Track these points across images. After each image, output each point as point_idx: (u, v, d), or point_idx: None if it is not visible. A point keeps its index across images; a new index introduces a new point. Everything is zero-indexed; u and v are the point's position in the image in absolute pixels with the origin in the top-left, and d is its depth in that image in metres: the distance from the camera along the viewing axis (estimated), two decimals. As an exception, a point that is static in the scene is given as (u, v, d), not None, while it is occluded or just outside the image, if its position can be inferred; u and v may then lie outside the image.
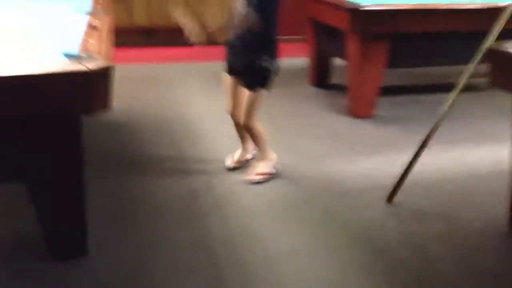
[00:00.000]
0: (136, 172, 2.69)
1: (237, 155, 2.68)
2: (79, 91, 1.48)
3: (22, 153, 1.62)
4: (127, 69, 4.70)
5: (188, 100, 3.87)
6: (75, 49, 1.69)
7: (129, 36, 5.50)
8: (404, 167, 2.32)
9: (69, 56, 1.60)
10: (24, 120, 1.53)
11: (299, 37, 4.90)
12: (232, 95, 2.56)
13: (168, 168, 2.76)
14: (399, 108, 3.75)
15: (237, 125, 2.61)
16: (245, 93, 2.46)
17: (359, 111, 3.50)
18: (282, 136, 3.10)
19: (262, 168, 2.56)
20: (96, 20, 2.25)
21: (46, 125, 1.60)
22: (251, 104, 2.45)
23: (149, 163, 2.82)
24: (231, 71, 2.53)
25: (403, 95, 4.05)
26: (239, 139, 2.69)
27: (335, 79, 4.12)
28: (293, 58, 4.36)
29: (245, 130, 2.57)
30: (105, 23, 2.25)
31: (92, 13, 2.44)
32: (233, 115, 2.59)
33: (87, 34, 1.93)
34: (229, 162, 2.66)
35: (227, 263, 1.94)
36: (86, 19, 2.27)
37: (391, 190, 2.36)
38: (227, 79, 2.56)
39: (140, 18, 5.60)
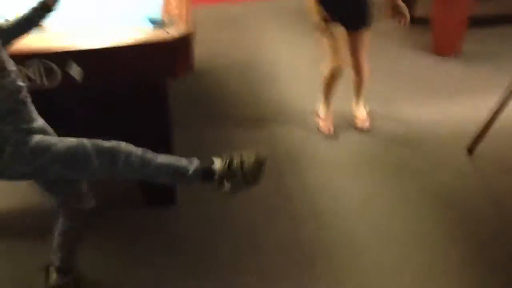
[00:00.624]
0: (216, 120, 2.81)
1: (328, 116, 2.58)
2: (164, 57, 1.58)
3: (120, 112, 1.79)
4: (205, 10, 4.72)
5: (265, 42, 3.80)
6: (157, 13, 1.77)
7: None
8: (490, 114, 2.21)
9: (153, 21, 1.69)
10: (119, 84, 1.67)
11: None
12: (340, 46, 2.37)
13: (245, 115, 2.83)
14: (490, 42, 3.43)
15: (336, 78, 2.46)
16: (357, 37, 2.37)
17: (444, 48, 3.30)
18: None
19: (365, 112, 2.60)
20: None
21: (138, 87, 1.73)
22: (367, 45, 2.41)
23: (226, 110, 2.91)
24: (336, 16, 2.32)
25: (496, 27, 3.66)
26: (329, 97, 2.57)
27: (420, 11, 3.69)
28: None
29: (360, 77, 2.51)
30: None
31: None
32: (342, 68, 2.43)
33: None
34: (328, 129, 2.56)
35: (302, 213, 2.05)
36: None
37: (473, 139, 2.28)
38: (333, 29, 2.32)
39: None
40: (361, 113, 2.60)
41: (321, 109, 2.60)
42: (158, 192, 2.06)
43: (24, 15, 1.49)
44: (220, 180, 1.49)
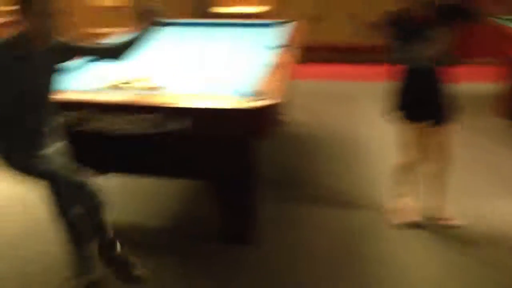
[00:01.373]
0: (302, 183, 3.08)
1: (400, 206, 2.56)
2: (247, 123, 1.95)
3: (212, 160, 2.19)
4: (316, 84, 5.13)
5: (369, 119, 3.97)
6: (250, 86, 2.17)
7: (322, 53, 5.94)
8: None
9: (242, 93, 2.07)
10: (212, 138, 2.08)
11: (486, 59, 4.62)
12: (419, 143, 2.39)
13: (331, 186, 3.04)
14: None
15: (411, 172, 2.47)
16: (437, 134, 2.36)
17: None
18: (454, 175, 2.65)
19: (449, 210, 2.52)
20: (278, 57, 2.73)
21: (227, 143, 2.12)
22: (449, 143, 2.37)
23: (315, 175, 3.17)
24: (417, 114, 2.36)
25: None
26: (404, 188, 2.55)
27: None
28: (474, 83, 4.01)
29: (439, 177, 2.46)
30: (286, 59, 2.69)
31: (277, 49, 2.93)
32: (418, 165, 2.43)
33: (265, 72, 2.41)
34: (403, 218, 2.53)
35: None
36: (270, 55, 2.77)
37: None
38: (410, 127, 2.38)
39: (333, 36, 5.96)
40: (442, 208, 2.54)
41: (396, 199, 2.61)
42: (234, 231, 2.38)
43: (104, 46, 2.02)
44: None
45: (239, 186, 2.25)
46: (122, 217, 2.68)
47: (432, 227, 2.53)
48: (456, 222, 2.51)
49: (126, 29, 2.94)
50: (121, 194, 2.93)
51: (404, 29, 2.27)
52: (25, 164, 1.85)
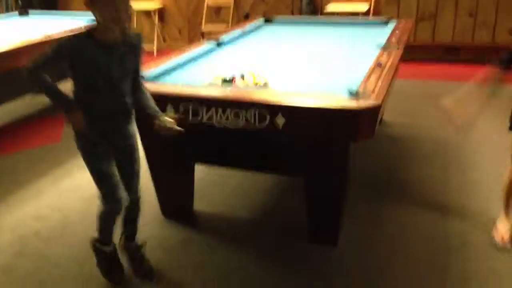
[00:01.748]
0: (395, 187, 2.99)
1: (507, 227, 2.41)
2: (347, 124, 1.92)
3: (308, 158, 2.19)
4: (422, 84, 4.98)
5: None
6: (357, 85, 2.14)
7: (431, 52, 5.73)
8: None
9: (349, 92, 2.06)
10: (310, 136, 2.08)
11: None
12: None
13: (426, 193, 2.93)
14: None
15: None
16: None
17: None
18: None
19: None
20: (384, 56, 2.66)
21: (324, 142, 2.11)
22: None
23: (409, 181, 3.06)
24: None
25: None
26: (509, 205, 2.43)
27: None
28: None
29: None
30: (392, 58, 2.61)
31: (383, 48, 2.86)
32: None
33: (370, 71, 2.36)
34: (500, 239, 2.38)
35: None
36: (376, 54, 2.70)
37: None
38: None
39: (444, 35, 5.71)
40: None
41: (500, 216, 2.46)
42: (322, 232, 2.37)
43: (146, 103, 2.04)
44: None
45: (331, 186, 2.24)
46: (210, 208, 2.80)
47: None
48: None
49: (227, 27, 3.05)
50: (212, 185, 3.04)
51: None
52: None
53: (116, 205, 2.04)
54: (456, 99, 2.27)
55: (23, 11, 5.06)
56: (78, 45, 1.85)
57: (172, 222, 2.66)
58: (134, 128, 2.09)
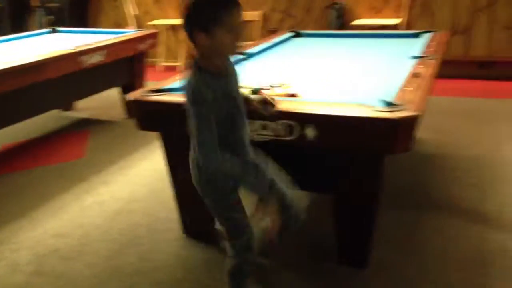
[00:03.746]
0: (430, 206, 2.80)
1: None
2: (385, 135, 1.77)
3: (339, 173, 2.05)
4: (454, 101, 4.79)
5: (510, 142, 3.66)
6: (392, 96, 2.00)
7: (464, 67, 5.53)
8: None
9: (385, 102, 1.92)
10: (344, 148, 1.93)
11: None
12: None
13: (464, 211, 2.74)
14: None
15: None
16: None
17: None
18: None
19: None
20: (421, 67, 2.50)
21: (357, 155, 1.97)
22: None
23: (446, 200, 2.87)
24: None
25: None
26: None
27: None
28: None
29: None
30: (429, 69, 2.46)
31: (420, 59, 2.71)
32: None
33: (407, 81, 2.21)
34: None
35: None
36: (412, 64, 2.55)
37: None
38: None
39: (478, 50, 5.52)
40: None
41: None
42: (351, 253, 2.21)
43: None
44: None
45: (363, 204, 2.08)
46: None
47: None
48: None
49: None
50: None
51: None
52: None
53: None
54: None
55: (53, 29, 5.13)
56: (205, 84, 1.60)
57: (194, 241, 2.54)
58: None
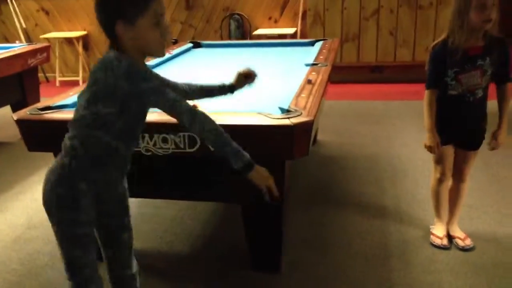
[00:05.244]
0: (335, 204, 2.96)
1: (442, 230, 2.51)
2: (282, 141, 1.84)
3: (243, 181, 2.06)
4: (350, 104, 5.10)
5: (402, 139, 3.95)
6: (287, 103, 2.08)
7: (356, 72, 5.91)
8: None
9: (281, 110, 2.00)
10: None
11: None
12: (449, 163, 2.40)
13: (365, 207, 2.92)
14: None
15: (442, 190, 2.47)
16: (468, 155, 2.37)
17: None
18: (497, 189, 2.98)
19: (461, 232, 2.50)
20: (313, 73, 2.64)
21: (260, 162, 2.01)
22: (474, 162, 2.41)
23: (349, 197, 3.05)
24: (453, 136, 2.34)
25: None
26: (438, 208, 2.53)
27: None
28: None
29: (460, 191, 2.46)
30: (320, 75, 2.60)
31: (312, 66, 2.85)
32: (446, 181, 2.45)
33: (300, 88, 2.32)
34: (439, 241, 2.47)
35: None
36: (305, 72, 2.68)
37: None
38: (444, 149, 2.35)
39: (368, 55, 5.91)
40: (459, 232, 2.50)
41: (435, 222, 2.55)
42: (264, 258, 2.26)
43: (209, 85, 1.88)
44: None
45: (268, 209, 2.12)
46: (144, 244, 2.60)
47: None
48: (468, 242, 2.45)
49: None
50: (145, 220, 2.86)
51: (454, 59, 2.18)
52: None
53: None
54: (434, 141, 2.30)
55: None
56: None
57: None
58: None
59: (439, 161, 2.41)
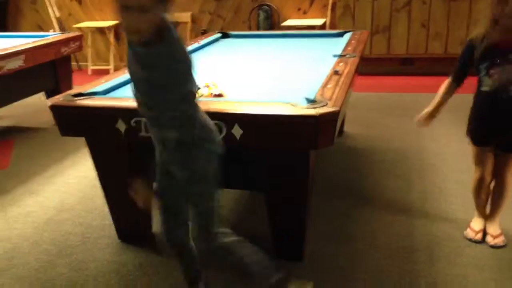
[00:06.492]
0: (360, 198, 2.95)
1: (479, 225, 2.47)
2: (307, 131, 1.85)
3: (268, 170, 2.10)
4: (379, 96, 5.04)
5: (432, 133, 3.85)
6: (314, 93, 2.09)
7: (386, 65, 5.83)
8: None
9: (307, 100, 2.01)
10: (270, 147, 1.99)
11: None
12: (489, 166, 2.34)
13: (391, 201, 2.90)
14: None
15: (482, 188, 2.42)
16: (508, 158, 2.30)
17: None
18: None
19: (499, 228, 2.44)
20: (341, 64, 2.63)
21: (284, 152, 2.04)
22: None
23: (375, 191, 3.03)
24: (490, 136, 2.29)
25: None
26: (479, 204, 2.49)
27: None
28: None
29: (503, 192, 2.38)
30: (348, 66, 2.59)
31: (340, 57, 2.84)
32: (488, 183, 2.39)
33: (327, 79, 2.32)
34: (473, 234, 2.44)
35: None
36: (333, 63, 2.67)
37: None
38: (482, 150, 2.32)
39: (399, 47, 5.83)
40: (494, 229, 2.43)
41: (474, 216, 2.52)
42: (287, 247, 2.28)
43: None
44: None
45: (293, 199, 2.15)
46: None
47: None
48: (498, 241, 2.40)
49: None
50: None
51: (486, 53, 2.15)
52: None
53: None
54: (427, 113, 2.44)
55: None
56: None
57: (129, 246, 2.51)
58: None
59: (478, 163, 2.36)
